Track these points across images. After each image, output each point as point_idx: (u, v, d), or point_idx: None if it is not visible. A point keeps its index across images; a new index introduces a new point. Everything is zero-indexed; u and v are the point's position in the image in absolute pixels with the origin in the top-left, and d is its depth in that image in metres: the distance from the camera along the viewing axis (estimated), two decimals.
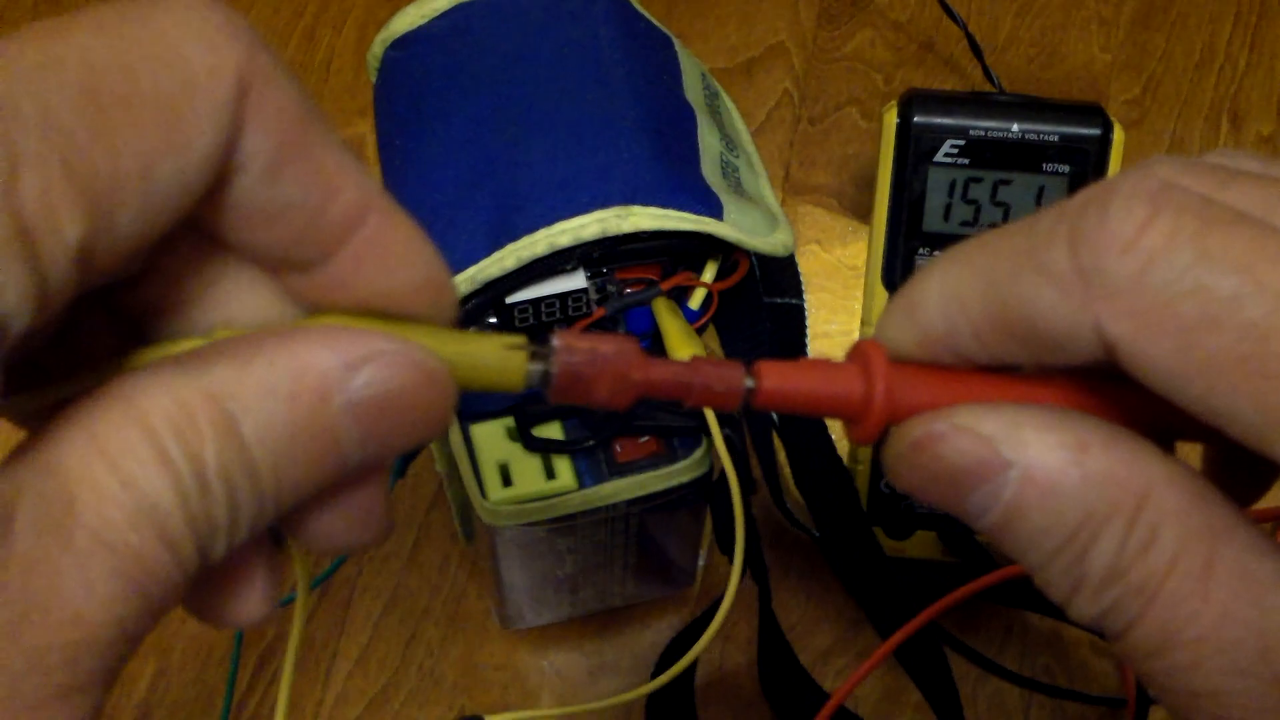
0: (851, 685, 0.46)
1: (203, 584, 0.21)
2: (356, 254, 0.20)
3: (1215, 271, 0.19)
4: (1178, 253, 0.19)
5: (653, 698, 0.50)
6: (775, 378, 0.21)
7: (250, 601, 0.21)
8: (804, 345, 0.51)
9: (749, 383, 0.21)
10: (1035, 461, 0.20)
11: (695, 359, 0.22)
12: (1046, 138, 0.50)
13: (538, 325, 0.43)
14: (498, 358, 0.21)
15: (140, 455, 0.17)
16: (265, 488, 0.19)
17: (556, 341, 0.21)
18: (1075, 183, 0.51)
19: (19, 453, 0.18)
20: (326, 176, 0.20)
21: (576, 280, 0.43)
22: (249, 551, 0.21)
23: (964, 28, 0.64)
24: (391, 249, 0.21)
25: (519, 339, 0.21)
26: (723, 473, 0.45)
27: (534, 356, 0.21)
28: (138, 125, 0.17)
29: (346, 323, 0.20)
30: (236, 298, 0.21)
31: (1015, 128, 0.50)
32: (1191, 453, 0.26)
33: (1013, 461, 0.21)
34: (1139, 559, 0.20)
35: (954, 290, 0.22)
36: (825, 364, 0.22)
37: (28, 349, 0.19)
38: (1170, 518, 0.20)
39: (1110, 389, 0.22)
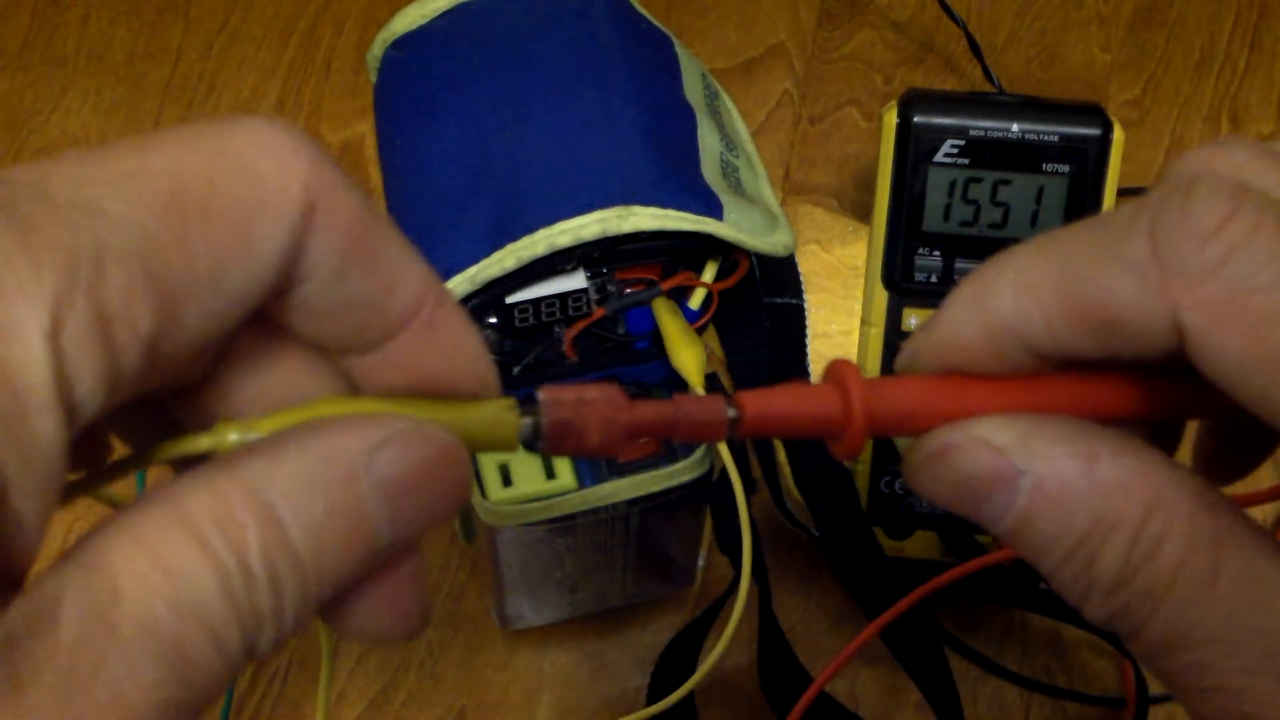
0: (836, 667, 0.46)
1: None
2: (411, 342, 0.22)
3: None
4: (1258, 248, 0.20)
5: (653, 698, 0.50)
6: (756, 406, 0.22)
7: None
8: (804, 345, 0.51)
9: (731, 413, 0.22)
10: (1046, 471, 0.21)
11: (677, 396, 0.22)
12: (1046, 138, 0.50)
13: (538, 325, 0.43)
14: (495, 422, 0.22)
15: (182, 547, 0.18)
16: (308, 573, 0.19)
17: (542, 395, 0.21)
18: (1075, 183, 0.51)
19: (66, 556, 0.18)
20: (387, 274, 0.21)
21: (576, 280, 0.43)
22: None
23: (964, 28, 0.64)
24: (444, 339, 0.22)
25: (509, 400, 0.22)
26: (723, 472, 0.45)
27: (524, 413, 0.21)
28: (212, 231, 0.19)
29: (357, 406, 0.21)
30: (283, 377, 0.22)
31: (1015, 128, 0.50)
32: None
33: (1024, 471, 0.21)
34: (1145, 564, 0.21)
35: (1028, 279, 0.22)
36: (803, 387, 0.23)
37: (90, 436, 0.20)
38: (1176, 525, 0.21)
39: (1096, 383, 0.23)
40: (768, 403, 0.22)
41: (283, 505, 0.19)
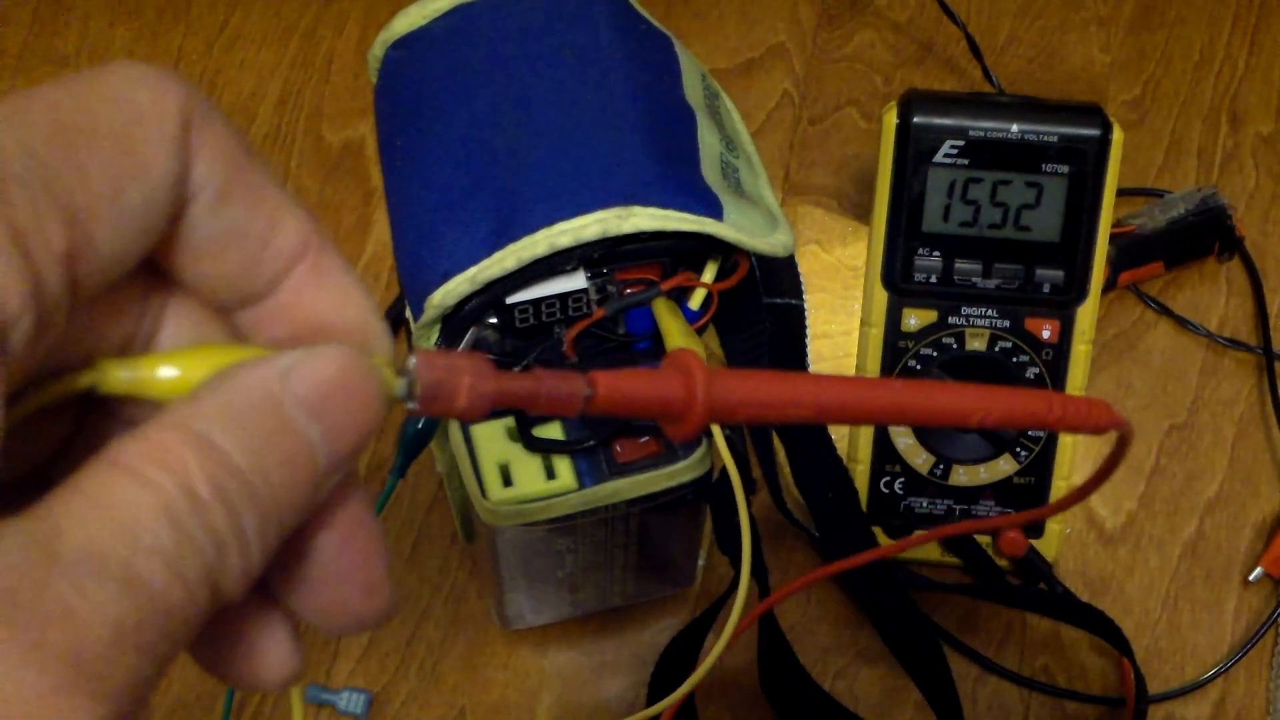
0: (783, 595, 0.48)
1: (221, 641, 0.22)
2: (296, 288, 0.23)
3: None
4: None
5: (653, 698, 0.50)
6: (608, 386, 0.24)
7: (271, 660, 0.22)
8: (804, 345, 0.51)
9: (586, 390, 0.23)
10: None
11: (538, 370, 0.23)
12: (1046, 138, 0.50)
13: (538, 325, 0.43)
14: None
15: (122, 486, 0.19)
16: (261, 495, 0.20)
17: (417, 357, 0.23)
18: (1075, 183, 0.51)
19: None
20: (269, 209, 0.22)
21: (577, 280, 0.43)
22: (268, 608, 0.22)
23: (964, 28, 0.64)
24: (329, 284, 0.23)
25: (387, 357, 0.23)
26: (723, 472, 0.45)
27: (400, 372, 0.22)
28: (102, 152, 0.20)
29: (242, 351, 0.22)
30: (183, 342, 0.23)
31: (1015, 128, 0.50)
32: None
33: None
34: None
35: None
36: (652, 372, 0.24)
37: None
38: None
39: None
40: (619, 384, 0.24)
41: (217, 435, 0.19)
